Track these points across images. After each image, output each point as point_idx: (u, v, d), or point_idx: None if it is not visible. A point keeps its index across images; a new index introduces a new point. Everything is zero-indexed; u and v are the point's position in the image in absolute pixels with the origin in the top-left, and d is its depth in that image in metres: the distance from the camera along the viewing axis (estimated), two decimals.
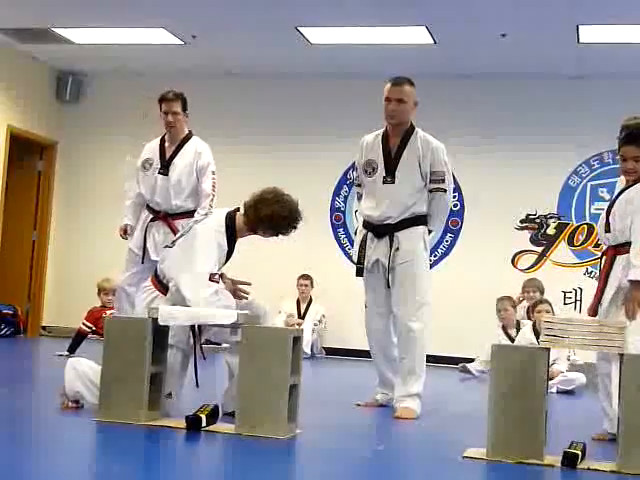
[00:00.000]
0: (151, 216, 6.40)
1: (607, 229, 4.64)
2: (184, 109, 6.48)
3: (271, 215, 4.61)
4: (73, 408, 4.51)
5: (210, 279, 4.45)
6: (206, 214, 4.76)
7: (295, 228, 4.73)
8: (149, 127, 10.79)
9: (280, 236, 4.77)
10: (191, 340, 4.50)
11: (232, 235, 4.63)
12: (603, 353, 4.41)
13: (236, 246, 4.71)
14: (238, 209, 4.73)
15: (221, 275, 4.66)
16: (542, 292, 8.93)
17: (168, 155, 6.43)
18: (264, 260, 9.68)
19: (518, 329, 8.41)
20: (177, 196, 6.32)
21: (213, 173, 6.38)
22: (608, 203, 4.79)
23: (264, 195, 4.65)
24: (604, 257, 4.70)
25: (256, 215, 4.61)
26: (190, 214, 6.29)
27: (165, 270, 4.60)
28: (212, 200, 6.30)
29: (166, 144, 6.48)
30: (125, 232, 6.50)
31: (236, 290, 4.72)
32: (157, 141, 6.57)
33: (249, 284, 4.81)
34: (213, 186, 6.35)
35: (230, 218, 4.65)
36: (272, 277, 9.70)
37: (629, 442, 3.72)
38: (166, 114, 6.41)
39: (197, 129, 10.56)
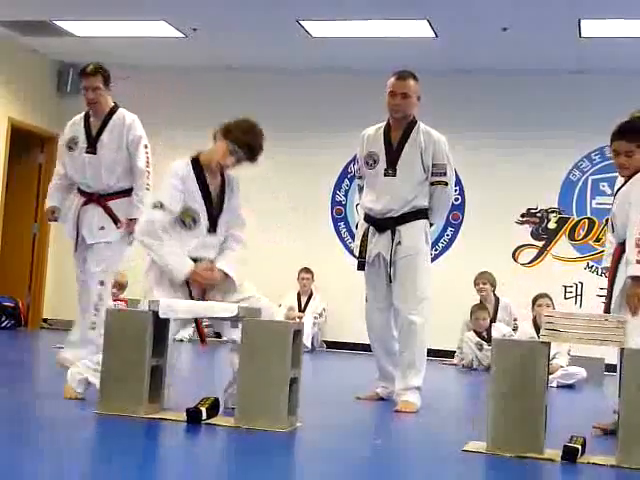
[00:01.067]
0: (83, 199, 5.99)
1: (612, 229, 4.64)
2: (106, 84, 6.00)
3: (237, 124, 4.64)
4: (76, 397, 4.51)
5: (160, 206, 4.42)
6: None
7: (261, 148, 4.66)
8: (149, 120, 10.83)
9: (250, 159, 4.66)
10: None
11: (197, 166, 4.58)
12: None
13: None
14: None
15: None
16: (493, 285, 9.08)
17: (94, 132, 5.99)
18: (265, 253, 9.69)
19: (489, 333, 8.64)
20: (110, 175, 5.93)
21: (146, 147, 5.99)
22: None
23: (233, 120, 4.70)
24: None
25: (226, 129, 4.62)
26: (126, 193, 5.95)
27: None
28: (148, 177, 5.91)
29: (91, 119, 6.03)
30: (53, 214, 6.11)
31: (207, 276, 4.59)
32: (81, 117, 6.11)
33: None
34: (147, 161, 5.94)
35: (192, 156, 4.63)
36: (273, 270, 9.71)
37: (629, 439, 3.71)
38: (86, 90, 5.97)
39: (197, 122, 10.62)
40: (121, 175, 5.96)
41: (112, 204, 5.94)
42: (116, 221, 5.95)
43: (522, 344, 4.21)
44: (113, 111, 6.05)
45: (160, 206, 4.44)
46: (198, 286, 4.50)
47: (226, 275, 4.56)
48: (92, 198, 5.96)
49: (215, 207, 4.60)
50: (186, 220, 4.50)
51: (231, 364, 4.59)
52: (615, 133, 4.66)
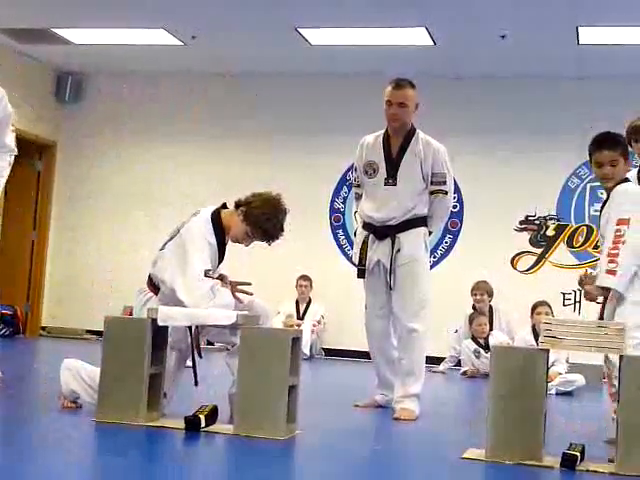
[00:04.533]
0: None
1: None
2: None
3: (260, 208, 4.59)
4: (72, 408, 4.52)
5: (205, 275, 4.45)
6: (195, 214, 4.67)
7: (281, 232, 4.69)
8: (149, 127, 10.86)
9: (267, 243, 4.71)
10: (189, 339, 4.49)
11: (220, 232, 4.61)
12: None
13: (229, 247, 4.69)
14: (224, 205, 4.72)
15: (221, 277, 4.65)
16: (490, 295, 9.07)
17: None
18: (263, 261, 9.68)
19: (487, 341, 8.69)
20: None
21: (13, 125, 5.48)
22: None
23: (259, 197, 4.67)
24: None
25: (248, 212, 4.60)
26: None
27: (158, 273, 4.58)
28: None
29: None
30: None
31: (235, 292, 4.70)
32: None
33: (249, 284, 4.79)
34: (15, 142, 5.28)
35: (215, 216, 4.64)
36: (271, 278, 9.70)
37: (629, 443, 3.71)
38: None
39: (197, 129, 10.65)
40: None
41: None
42: None
43: (521, 351, 4.22)
44: None
45: (213, 277, 4.53)
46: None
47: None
48: None
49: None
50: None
51: (230, 368, 4.58)
52: (595, 145, 4.54)
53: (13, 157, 5.39)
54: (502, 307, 9.16)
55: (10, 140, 5.38)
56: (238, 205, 4.65)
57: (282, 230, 4.69)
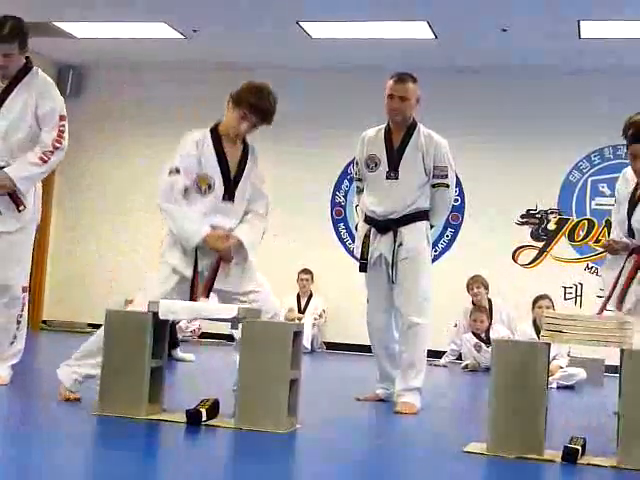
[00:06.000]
0: None
1: (630, 233, 4.55)
2: (22, 47, 5.14)
3: (245, 89, 4.69)
4: (72, 399, 4.51)
5: (169, 173, 4.45)
6: None
7: (273, 108, 4.76)
8: (150, 121, 10.85)
9: (263, 123, 4.72)
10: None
11: (216, 139, 4.63)
12: None
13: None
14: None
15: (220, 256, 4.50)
16: (486, 288, 9.06)
17: None
18: (265, 254, 9.64)
19: (487, 335, 8.72)
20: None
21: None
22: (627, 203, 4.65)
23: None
24: (629, 258, 4.58)
25: (236, 96, 4.67)
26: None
27: None
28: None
29: None
30: None
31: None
32: None
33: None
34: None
35: (211, 129, 4.69)
36: (273, 271, 9.64)
37: (629, 437, 3.71)
38: None
39: (197, 123, 10.61)
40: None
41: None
42: (18, 203, 4.92)
43: (522, 345, 4.21)
44: (28, 68, 5.30)
45: (177, 171, 4.45)
46: (215, 253, 4.43)
47: (241, 245, 4.49)
48: None
49: (232, 175, 4.57)
50: (202, 186, 4.48)
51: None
52: (633, 136, 4.39)
53: (52, 155, 4.97)
54: (501, 300, 9.16)
55: (49, 137, 5.03)
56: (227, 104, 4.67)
57: (272, 105, 4.73)
